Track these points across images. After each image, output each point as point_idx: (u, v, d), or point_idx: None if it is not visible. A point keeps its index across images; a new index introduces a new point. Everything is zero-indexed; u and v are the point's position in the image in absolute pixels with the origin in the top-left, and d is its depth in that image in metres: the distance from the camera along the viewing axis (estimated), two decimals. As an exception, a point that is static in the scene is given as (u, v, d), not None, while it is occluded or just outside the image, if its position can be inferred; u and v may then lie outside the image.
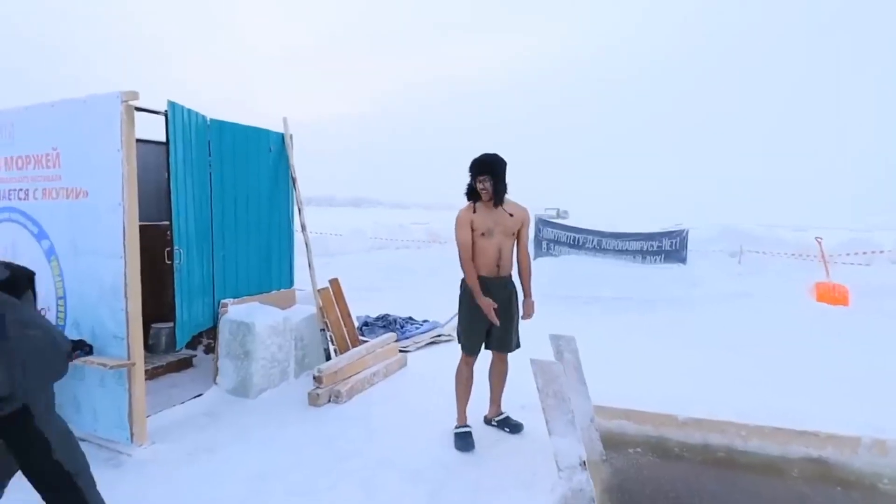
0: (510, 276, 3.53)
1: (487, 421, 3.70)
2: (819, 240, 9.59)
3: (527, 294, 3.64)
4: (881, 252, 10.33)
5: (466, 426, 3.49)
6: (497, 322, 3.36)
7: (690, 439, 3.58)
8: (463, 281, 3.49)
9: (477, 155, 3.43)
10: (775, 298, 8.06)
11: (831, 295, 8.17)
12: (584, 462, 2.75)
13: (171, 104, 3.58)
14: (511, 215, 3.46)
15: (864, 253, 10.30)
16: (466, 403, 3.54)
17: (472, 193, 3.44)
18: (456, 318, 3.70)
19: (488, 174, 3.35)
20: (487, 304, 3.33)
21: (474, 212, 3.42)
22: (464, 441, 3.39)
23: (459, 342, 3.57)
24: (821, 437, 3.42)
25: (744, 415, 3.66)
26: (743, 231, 11.74)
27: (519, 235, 3.54)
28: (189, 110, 3.75)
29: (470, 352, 3.52)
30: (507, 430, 3.60)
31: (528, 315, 3.58)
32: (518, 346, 3.59)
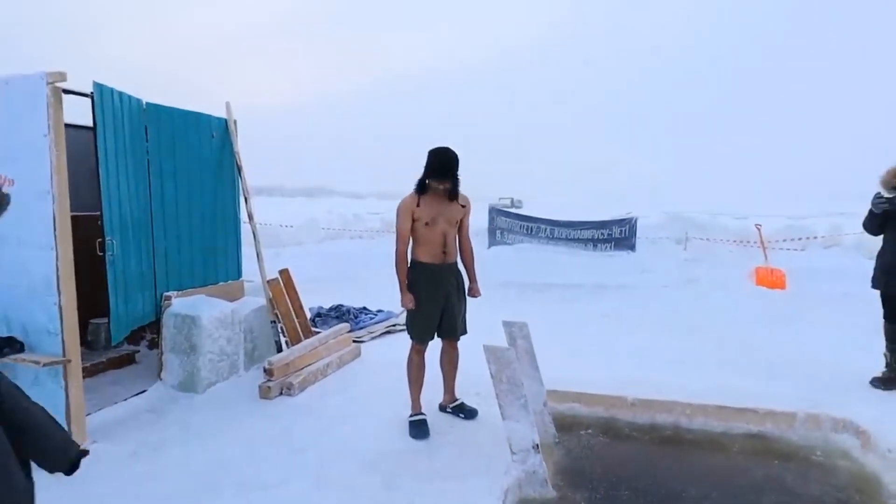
0: (456, 262, 3.55)
1: (442, 408, 3.71)
2: (758, 226, 10.04)
3: (472, 279, 3.69)
4: (815, 238, 10.90)
5: (421, 413, 3.48)
6: (412, 307, 3.41)
7: (639, 419, 3.70)
8: (410, 270, 3.47)
9: (433, 148, 3.36)
10: (719, 283, 8.38)
11: (769, 279, 8.57)
12: (538, 445, 2.80)
13: (98, 86, 3.36)
14: (463, 206, 3.48)
15: (800, 239, 10.84)
16: (420, 391, 3.53)
17: (424, 188, 3.38)
18: None
19: (450, 178, 3.33)
20: (409, 300, 3.40)
21: (418, 204, 3.37)
22: (419, 429, 3.38)
23: (409, 332, 3.55)
24: (760, 413, 3.59)
25: (691, 394, 3.80)
26: (688, 219, 12.15)
27: (461, 224, 3.55)
28: (120, 93, 3.54)
29: (421, 340, 3.51)
30: (462, 416, 3.61)
31: (474, 296, 3.66)
32: (465, 331, 3.62)
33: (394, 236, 3.49)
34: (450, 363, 3.66)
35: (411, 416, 3.48)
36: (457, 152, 3.37)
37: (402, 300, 3.44)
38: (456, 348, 3.64)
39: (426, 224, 3.38)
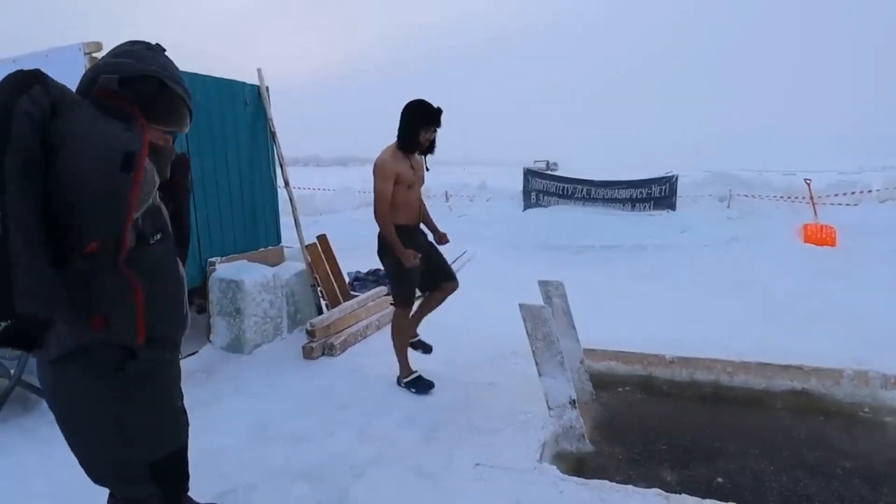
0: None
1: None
2: (808, 181, 9.61)
3: (436, 228, 3.64)
4: (869, 192, 10.35)
5: (415, 371, 3.48)
6: (417, 261, 3.25)
7: (678, 377, 3.68)
8: (381, 235, 3.36)
9: (411, 101, 3.23)
10: (764, 241, 8.12)
11: (818, 236, 8.24)
12: (574, 400, 2.82)
13: None
14: (426, 166, 3.45)
15: (853, 193, 10.32)
16: (407, 352, 3.51)
17: (411, 146, 3.24)
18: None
19: (439, 126, 3.22)
20: (412, 256, 3.22)
21: (411, 166, 3.26)
22: (422, 383, 3.40)
23: (396, 298, 3.47)
24: (805, 370, 3.51)
25: (733, 354, 3.73)
26: (732, 175, 11.68)
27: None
28: None
29: (408, 303, 3.45)
30: (421, 350, 3.63)
31: (445, 242, 3.63)
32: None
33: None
34: (438, 303, 3.59)
35: (408, 377, 3.45)
36: None
37: (405, 261, 3.23)
38: (451, 292, 3.55)
39: (408, 187, 3.27)
